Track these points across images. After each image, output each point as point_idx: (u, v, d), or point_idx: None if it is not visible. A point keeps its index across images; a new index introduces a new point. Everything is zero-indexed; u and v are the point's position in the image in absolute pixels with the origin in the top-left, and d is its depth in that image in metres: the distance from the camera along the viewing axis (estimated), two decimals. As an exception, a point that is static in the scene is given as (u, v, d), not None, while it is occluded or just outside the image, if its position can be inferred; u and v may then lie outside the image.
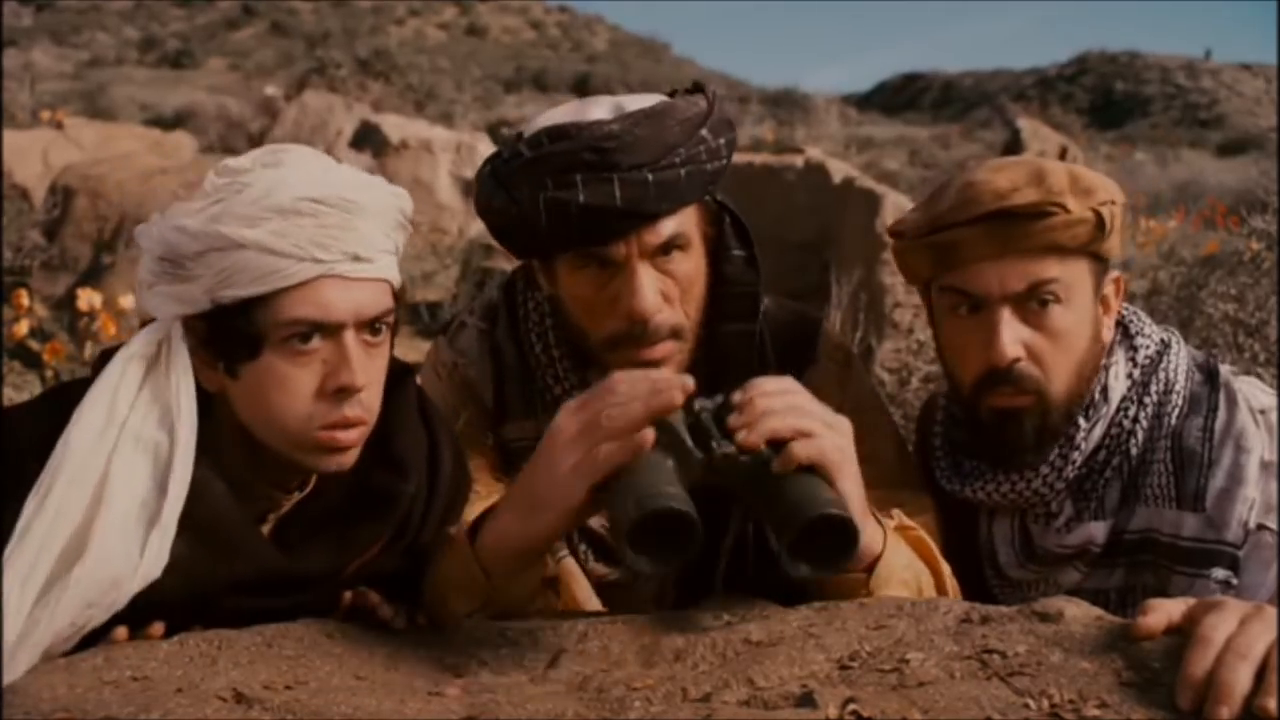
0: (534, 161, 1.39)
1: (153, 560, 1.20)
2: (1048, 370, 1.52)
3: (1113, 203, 1.52)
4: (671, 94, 1.49)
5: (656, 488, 1.10)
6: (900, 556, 1.32)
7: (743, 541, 1.48)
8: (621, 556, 1.13)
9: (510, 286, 1.63)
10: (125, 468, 1.21)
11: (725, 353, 1.49)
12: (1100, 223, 1.50)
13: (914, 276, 1.62)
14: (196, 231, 1.24)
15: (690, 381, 1.18)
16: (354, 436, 1.31)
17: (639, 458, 1.13)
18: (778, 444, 1.17)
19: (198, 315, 1.28)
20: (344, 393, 1.28)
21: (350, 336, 1.28)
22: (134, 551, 1.19)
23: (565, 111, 1.47)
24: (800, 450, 1.16)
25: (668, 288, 1.46)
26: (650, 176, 1.37)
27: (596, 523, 1.55)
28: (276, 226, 1.24)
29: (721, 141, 1.44)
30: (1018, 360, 1.50)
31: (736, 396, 1.20)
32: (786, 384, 1.23)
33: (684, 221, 1.45)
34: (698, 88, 1.50)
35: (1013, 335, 1.50)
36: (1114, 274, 1.59)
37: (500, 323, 1.59)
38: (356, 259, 1.28)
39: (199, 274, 1.26)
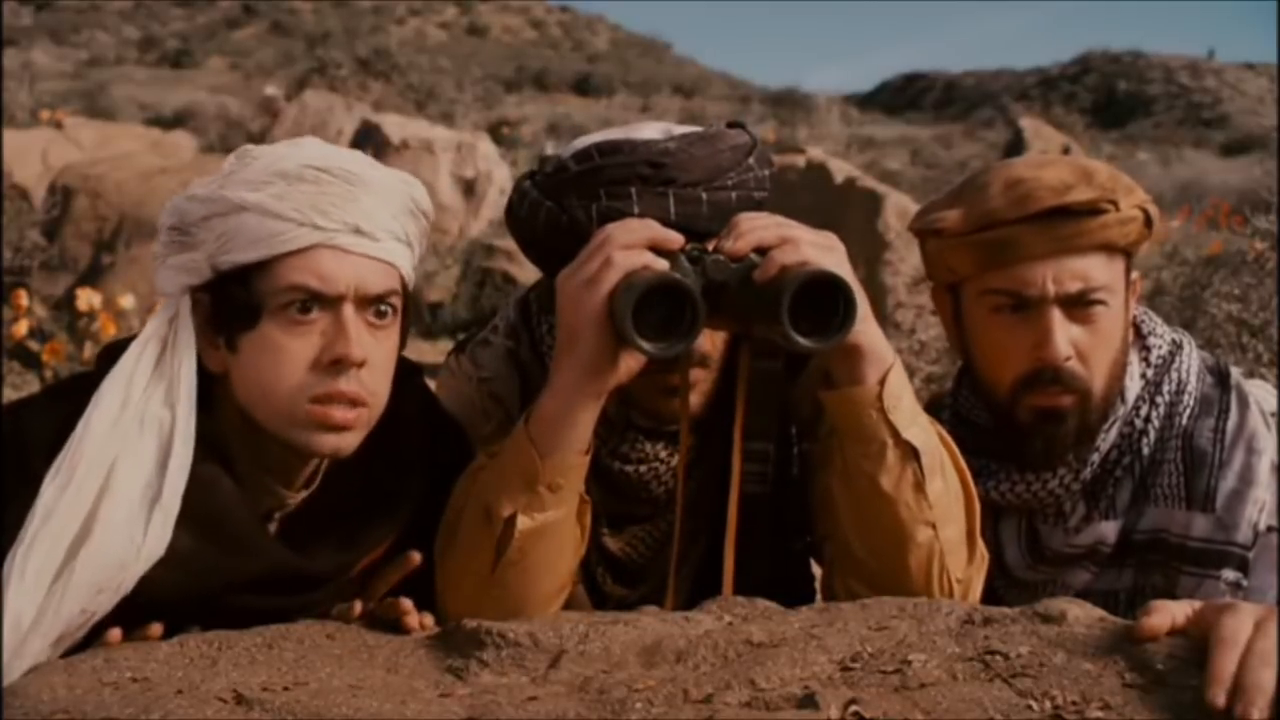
0: (586, 174, 1.39)
1: (155, 539, 1.20)
2: (1092, 369, 1.52)
3: (1149, 200, 1.53)
4: (724, 126, 1.50)
5: (655, 274, 1.23)
6: (910, 392, 1.35)
7: (750, 540, 1.47)
8: (628, 339, 1.21)
9: (525, 307, 1.62)
10: (132, 449, 1.22)
11: (750, 388, 1.48)
12: (1148, 220, 1.51)
13: (948, 275, 1.59)
14: (203, 197, 1.28)
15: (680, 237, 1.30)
16: (351, 416, 1.29)
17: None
18: (764, 253, 1.27)
19: (202, 288, 1.29)
20: (339, 365, 1.27)
21: (350, 310, 1.28)
22: (137, 533, 1.20)
23: (609, 132, 1.48)
24: (780, 255, 1.25)
25: None
26: (704, 195, 1.38)
27: (615, 546, 1.55)
28: (278, 190, 1.25)
29: (765, 173, 1.45)
30: (1068, 359, 1.50)
31: (722, 232, 1.32)
32: (773, 215, 1.34)
33: None
34: (735, 124, 1.51)
35: (1064, 334, 1.50)
36: (1134, 274, 1.59)
37: (523, 342, 1.59)
38: (358, 232, 1.28)
39: (202, 239, 1.27)
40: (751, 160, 1.43)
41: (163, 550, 1.21)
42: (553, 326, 1.55)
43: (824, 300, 1.22)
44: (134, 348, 1.28)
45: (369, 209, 1.28)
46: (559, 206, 1.39)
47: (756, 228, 1.30)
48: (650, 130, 1.45)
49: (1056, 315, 1.49)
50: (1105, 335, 1.52)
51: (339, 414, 1.28)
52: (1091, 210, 1.47)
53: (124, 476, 1.21)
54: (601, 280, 1.25)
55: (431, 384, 1.55)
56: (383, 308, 1.31)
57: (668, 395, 1.43)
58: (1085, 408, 1.52)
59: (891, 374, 1.32)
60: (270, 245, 1.25)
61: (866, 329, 1.30)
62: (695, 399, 1.44)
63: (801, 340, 1.21)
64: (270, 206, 1.25)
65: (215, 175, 1.31)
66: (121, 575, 1.19)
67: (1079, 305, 1.50)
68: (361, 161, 1.32)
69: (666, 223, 1.34)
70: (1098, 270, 1.49)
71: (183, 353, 1.28)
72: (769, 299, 1.22)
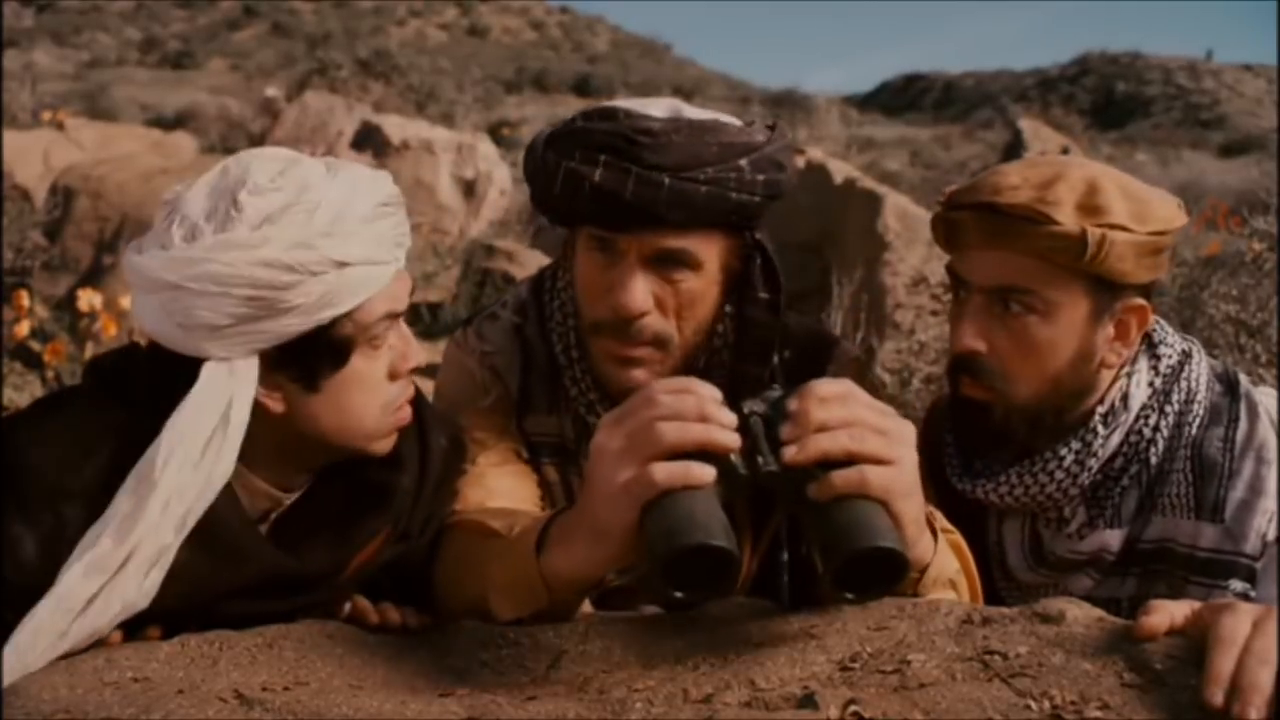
0: (576, 131, 1.43)
1: (151, 584, 1.20)
2: (1008, 374, 1.51)
3: (1125, 229, 1.44)
4: (749, 124, 1.49)
5: (694, 517, 1.05)
6: (949, 563, 1.28)
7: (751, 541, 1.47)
8: (654, 585, 1.07)
9: (539, 285, 1.64)
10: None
11: (738, 392, 1.48)
12: (1084, 243, 1.43)
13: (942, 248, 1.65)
14: (292, 262, 1.19)
15: (719, 394, 1.15)
16: (408, 414, 1.37)
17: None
18: (829, 465, 1.11)
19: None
20: (407, 375, 1.34)
21: (403, 322, 1.35)
22: (148, 581, 1.19)
23: (629, 101, 1.50)
24: (840, 481, 1.10)
25: (665, 296, 1.46)
26: (666, 181, 1.38)
27: None
28: (369, 235, 1.27)
29: (760, 177, 1.43)
30: (975, 353, 1.51)
31: (792, 404, 1.15)
32: (844, 388, 1.16)
33: (701, 244, 1.44)
34: (772, 126, 1.51)
35: (976, 328, 1.51)
36: (1135, 301, 1.52)
37: (530, 319, 1.60)
38: (400, 245, 1.33)
39: (298, 302, 1.21)
40: (744, 161, 1.41)
41: (147, 603, 1.19)
42: (563, 304, 1.57)
43: (872, 560, 1.08)
44: (196, 424, 1.19)
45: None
46: (544, 158, 1.45)
47: (824, 428, 1.12)
48: (659, 107, 1.46)
49: (973, 306, 1.52)
50: (1033, 348, 1.49)
51: (407, 414, 1.37)
52: (1021, 215, 1.46)
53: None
54: (639, 494, 1.10)
55: (432, 384, 1.56)
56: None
57: (623, 366, 1.47)
58: (1006, 407, 1.54)
59: (931, 567, 1.24)
60: (371, 287, 1.27)
61: (915, 543, 1.18)
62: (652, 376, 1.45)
63: (845, 595, 1.11)
64: (370, 255, 1.26)
65: (244, 228, 1.19)
66: (126, 612, 1.19)
67: (1007, 304, 1.50)
68: (385, 178, 1.33)
69: (619, 198, 1.36)
70: (1029, 278, 1.48)
71: (235, 434, 1.21)
72: (820, 543, 1.10)
